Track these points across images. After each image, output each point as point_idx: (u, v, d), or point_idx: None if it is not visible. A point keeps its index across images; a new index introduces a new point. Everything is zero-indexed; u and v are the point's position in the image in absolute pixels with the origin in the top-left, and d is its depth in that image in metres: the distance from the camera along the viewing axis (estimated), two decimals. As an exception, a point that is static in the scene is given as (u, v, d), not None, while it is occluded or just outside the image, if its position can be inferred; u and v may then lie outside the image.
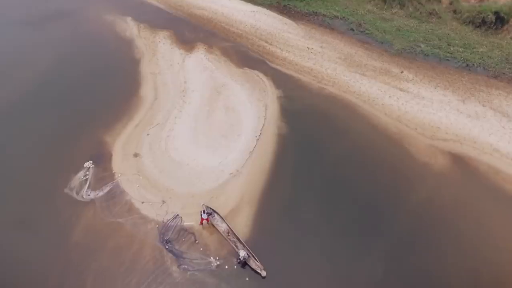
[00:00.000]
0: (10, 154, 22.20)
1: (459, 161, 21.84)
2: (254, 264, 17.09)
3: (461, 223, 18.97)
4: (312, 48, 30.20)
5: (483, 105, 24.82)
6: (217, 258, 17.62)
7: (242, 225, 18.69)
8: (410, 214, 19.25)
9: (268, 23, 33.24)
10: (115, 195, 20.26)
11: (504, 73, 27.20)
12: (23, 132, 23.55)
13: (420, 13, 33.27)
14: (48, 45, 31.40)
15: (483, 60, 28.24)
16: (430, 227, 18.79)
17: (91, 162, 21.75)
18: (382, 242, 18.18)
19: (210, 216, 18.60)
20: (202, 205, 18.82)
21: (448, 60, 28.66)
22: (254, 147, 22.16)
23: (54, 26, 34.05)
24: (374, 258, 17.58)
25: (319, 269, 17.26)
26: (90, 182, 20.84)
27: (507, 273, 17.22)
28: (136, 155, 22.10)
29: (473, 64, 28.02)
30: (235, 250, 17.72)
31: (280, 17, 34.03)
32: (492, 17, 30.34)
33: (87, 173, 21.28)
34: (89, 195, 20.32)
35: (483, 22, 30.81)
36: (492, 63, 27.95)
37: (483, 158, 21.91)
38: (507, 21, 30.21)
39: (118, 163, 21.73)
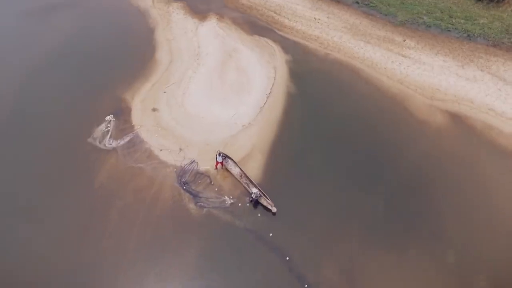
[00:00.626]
0: (40, 109, 23.22)
1: (456, 119, 22.78)
2: (265, 202, 18.22)
3: (457, 172, 20.01)
4: (319, 19, 30.88)
5: (482, 70, 25.60)
6: (231, 197, 18.77)
7: (254, 169, 19.79)
8: (410, 163, 20.30)
9: (277, -4, 33.86)
10: (135, 144, 21.36)
11: (503, 43, 27.86)
12: (48, 91, 24.53)
13: (424, -13, 33.69)
14: (68, 16, 32.02)
15: (484, 30, 28.85)
16: (427, 175, 19.85)
17: (112, 116, 22.79)
18: (383, 186, 19.28)
19: (224, 161, 19.69)
20: (217, 151, 19.87)
21: (449, 31, 29.28)
22: (265, 103, 23.17)
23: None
24: (375, 199, 18.71)
25: (324, 206, 18.42)
26: (111, 133, 21.91)
27: (495, 215, 18.27)
28: (154, 109, 23.14)
29: (474, 35, 28.64)
30: (247, 191, 18.86)
31: (288, -10, 34.56)
32: (494, -10, 30.86)
33: (109, 125, 22.33)
34: (111, 143, 21.40)
35: (485, -5, 31.34)
36: (492, 33, 28.57)
37: (479, 116, 22.83)
38: (509, -6, 30.72)
39: (138, 117, 22.78)
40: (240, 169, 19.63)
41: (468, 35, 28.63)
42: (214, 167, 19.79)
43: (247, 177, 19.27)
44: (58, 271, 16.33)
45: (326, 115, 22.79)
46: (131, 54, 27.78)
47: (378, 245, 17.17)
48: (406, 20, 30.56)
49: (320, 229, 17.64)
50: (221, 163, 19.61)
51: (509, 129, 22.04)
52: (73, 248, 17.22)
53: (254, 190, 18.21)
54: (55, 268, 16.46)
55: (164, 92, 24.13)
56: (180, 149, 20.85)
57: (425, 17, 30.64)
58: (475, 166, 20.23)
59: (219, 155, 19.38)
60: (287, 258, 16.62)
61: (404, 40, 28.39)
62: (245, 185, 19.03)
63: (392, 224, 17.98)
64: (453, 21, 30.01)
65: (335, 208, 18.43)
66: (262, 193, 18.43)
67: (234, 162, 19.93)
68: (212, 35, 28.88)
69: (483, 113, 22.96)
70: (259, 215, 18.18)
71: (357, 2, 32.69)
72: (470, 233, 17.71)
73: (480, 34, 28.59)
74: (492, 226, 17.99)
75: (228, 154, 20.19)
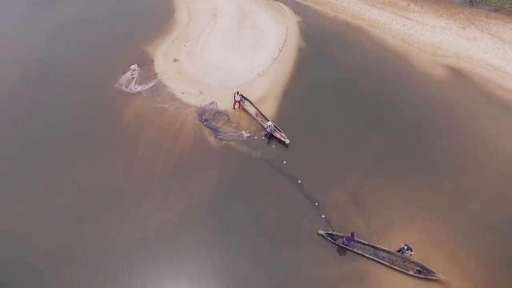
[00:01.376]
0: (71, 61, 24.73)
1: (456, 72, 23.91)
2: (279, 135, 19.63)
3: (454, 116, 21.26)
4: (328, -14, 31.86)
5: (481, 31, 26.64)
6: (247, 131, 20.23)
7: (268, 109, 21.19)
8: (412, 107, 21.56)
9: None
10: (159, 88, 22.82)
11: (504, 8, 28.71)
12: (78, 47, 25.99)
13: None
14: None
15: (486, -3, 29.75)
16: (428, 117, 21.11)
17: (137, 65, 24.22)
18: (387, 125, 20.61)
19: (241, 101, 21.07)
20: (235, 91, 21.21)
21: (452, -2, 30.22)
22: (278, 55, 24.47)
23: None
24: (380, 136, 20.07)
25: (333, 140, 19.83)
26: (136, 79, 23.37)
27: (487, 152, 19.57)
28: (175, 60, 24.52)
29: (476, 0, 29.55)
30: (263, 127, 20.26)
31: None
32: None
33: (134, 73, 23.78)
34: (136, 88, 22.87)
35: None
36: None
37: (477, 70, 23.95)
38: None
39: (160, 66, 24.22)
40: (256, 108, 21.01)
41: (471, 1, 29.54)
42: (232, 106, 21.18)
43: (262, 115, 20.66)
44: (92, 191, 17.91)
45: (334, 67, 24.04)
46: (152, 14, 29.13)
47: (381, 173, 18.55)
48: (411, -13, 31.42)
49: (329, 158, 19.07)
50: (239, 102, 20.97)
51: (505, 81, 23.16)
52: (106, 172, 18.81)
53: (269, 123, 19.57)
54: (90, 188, 18.04)
55: (184, 46, 25.48)
56: (200, 92, 22.26)
57: (429, -14, 31.48)
58: (472, 111, 21.47)
59: (237, 93, 20.74)
60: (299, 182, 18.07)
61: (409, 5, 29.39)
62: (261, 122, 20.43)
63: (395, 157, 19.32)
64: (457, -12, 30.86)
65: (343, 142, 19.82)
66: (276, 127, 19.81)
67: (251, 102, 21.31)
68: (227, -1, 30.10)
69: (482, 68, 24.07)
70: (273, 146, 19.63)
71: (365, -28, 33.50)
72: (464, 165, 19.03)
73: (482, 0, 29.49)
74: (484, 160, 19.27)
75: (245, 96, 21.53)
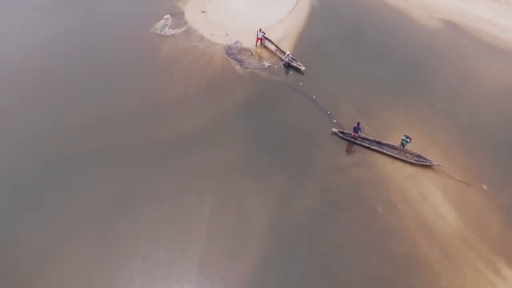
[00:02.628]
0: (112, 11, 27.97)
1: (450, 24, 26.79)
2: (295, 64, 22.46)
3: (448, 55, 24.08)
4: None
5: (474, -7, 29.68)
6: (268, 61, 23.11)
7: (286, 48, 24.00)
8: (411, 48, 24.41)
9: None
10: (190, 32, 25.78)
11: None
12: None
13: None
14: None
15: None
16: (424, 56, 23.92)
17: (169, 15, 27.30)
18: (389, 61, 23.44)
19: (262, 39, 24.01)
20: (258, 29, 24.13)
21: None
22: (293, 9, 27.58)
23: None
24: (383, 68, 22.89)
25: (342, 68, 22.68)
26: (169, 25, 26.40)
27: (475, 81, 22.33)
28: (203, 12, 27.60)
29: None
30: (282, 60, 23.14)
31: None
32: None
33: (167, 21, 26.75)
34: (170, 31, 25.86)
35: None
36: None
37: (469, 23, 26.79)
38: None
39: (190, 16, 27.26)
40: (276, 45, 23.92)
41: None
42: (255, 44, 24.11)
43: (281, 51, 23.53)
44: (135, 107, 20.61)
45: (343, 19, 27.00)
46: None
47: (384, 94, 21.25)
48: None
49: (339, 81, 21.88)
50: (261, 39, 23.90)
51: (494, 30, 26.01)
52: (145, 91, 21.63)
53: (287, 53, 22.42)
54: (133, 103, 20.78)
55: (210, 1, 28.62)
56: (226, 34, 25.23)
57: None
58: (463, 51, 24.32)
59: (260, 31, 23.68)
60: (314, 97, 20.82)
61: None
62: (280, 56, 23.30)
63: (396, 82, 22.03)
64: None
65: (351, 70, 22.63)
66: (293, 58, 22.68)
67: (271, 41, 24.23)
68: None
69: (473, 20, 26.92)
70: (291, 73, 22.50)
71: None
72: (456, 90, 21.75)
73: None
74: (472, 87, 21.99)
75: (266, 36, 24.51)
